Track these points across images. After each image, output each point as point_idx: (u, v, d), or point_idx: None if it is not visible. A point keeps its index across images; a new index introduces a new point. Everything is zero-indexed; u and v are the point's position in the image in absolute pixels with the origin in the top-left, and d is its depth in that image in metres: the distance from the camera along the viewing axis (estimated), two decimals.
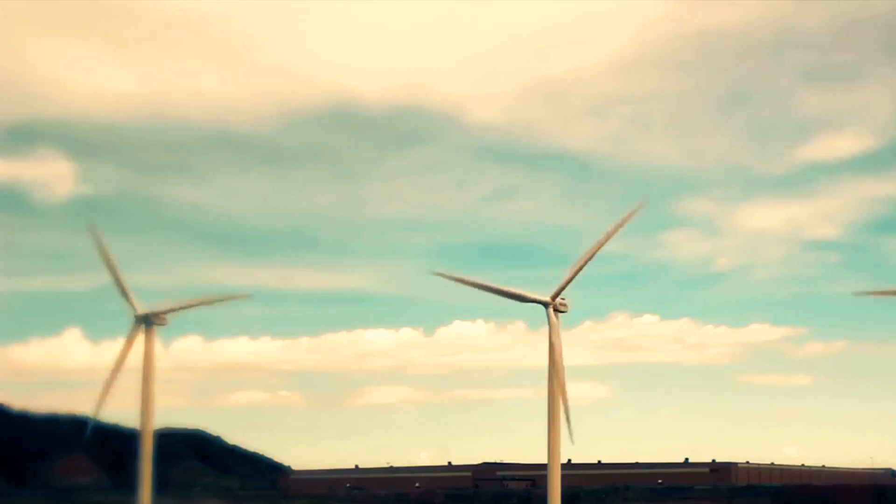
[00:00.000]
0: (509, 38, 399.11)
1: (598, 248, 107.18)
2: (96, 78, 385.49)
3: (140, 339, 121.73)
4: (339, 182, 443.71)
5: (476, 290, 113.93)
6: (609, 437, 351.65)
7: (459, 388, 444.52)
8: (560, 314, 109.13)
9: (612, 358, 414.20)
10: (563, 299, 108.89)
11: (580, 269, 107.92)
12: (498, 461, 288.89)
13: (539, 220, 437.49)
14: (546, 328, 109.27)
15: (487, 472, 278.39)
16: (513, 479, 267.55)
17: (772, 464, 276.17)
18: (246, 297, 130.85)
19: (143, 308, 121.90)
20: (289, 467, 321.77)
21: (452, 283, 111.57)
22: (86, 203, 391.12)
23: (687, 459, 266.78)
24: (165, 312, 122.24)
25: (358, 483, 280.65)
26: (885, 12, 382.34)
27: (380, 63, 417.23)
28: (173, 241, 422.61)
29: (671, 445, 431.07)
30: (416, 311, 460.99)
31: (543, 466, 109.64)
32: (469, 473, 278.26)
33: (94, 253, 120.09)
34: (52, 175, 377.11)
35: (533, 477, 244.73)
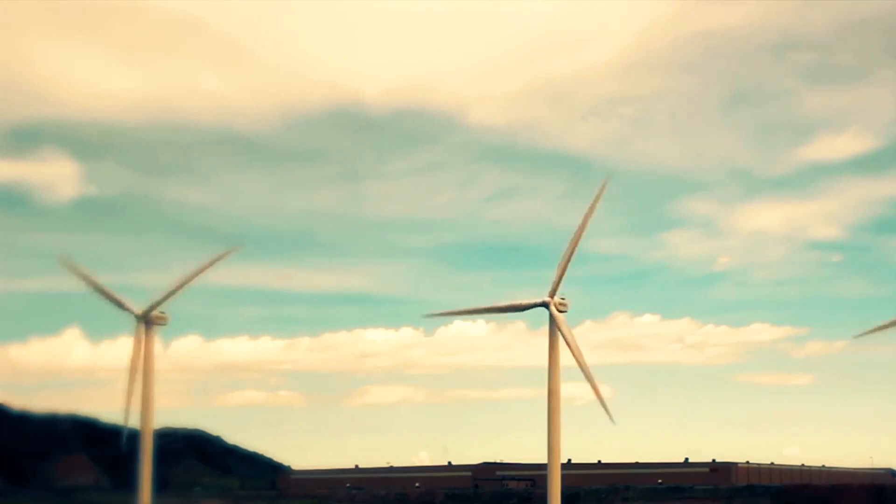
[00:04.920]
0: (511, 40, 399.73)
1: (579, 239, 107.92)
2: (99, 79, 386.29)
3: (140, 339, 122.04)
4: (340, 182, 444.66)
5: (476, 308, 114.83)
6: (609, 437, 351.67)
7: (459, 388, 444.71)
8: (561, 314, 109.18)
9: (612, 358, 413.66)
10: (562, 298, 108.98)
11: (567, 264, 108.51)
12: (498, 461, 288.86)
13: (540, 220, 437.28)
14: (546, 328, 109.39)
15: (487, 472, 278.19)
16: (513, 479, 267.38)
17: (772, 464, 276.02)
18: (233, 250, 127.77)
19: (140, 307, 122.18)
20: (289, 467, 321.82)
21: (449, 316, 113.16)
22: (89, 204, 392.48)
23: (687, 459, 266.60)
24: (161, 303, 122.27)
25: (358, 483, 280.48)
26: (887, 14, 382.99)
27: (382, 64, 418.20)
28: (175, 241, 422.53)
29: (671, 445, 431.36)
30: (416, 311, 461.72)
31: (543, 466, 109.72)
32: (469, 473, 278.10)
33: (75, 276, 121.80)
34: (56, 175, 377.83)
35: (533, 477, 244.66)
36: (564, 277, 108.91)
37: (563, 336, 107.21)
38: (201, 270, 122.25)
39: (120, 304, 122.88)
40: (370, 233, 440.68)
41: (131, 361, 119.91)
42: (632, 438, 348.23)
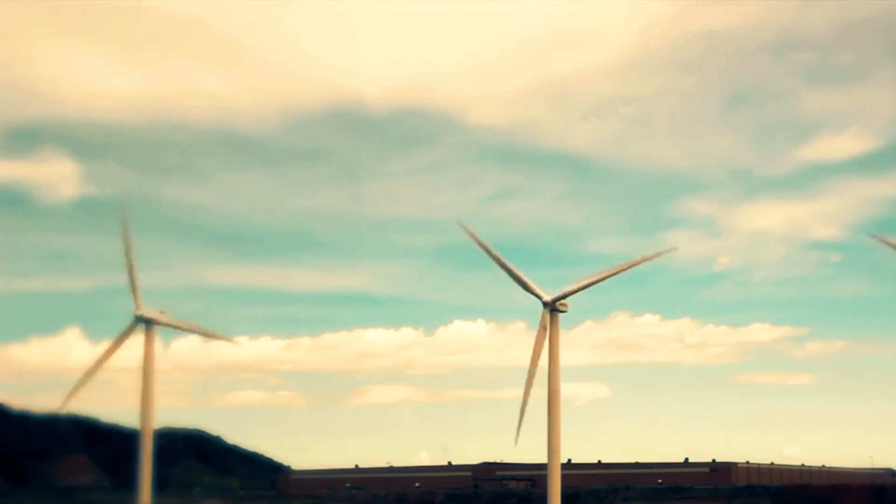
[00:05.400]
0: (511, 40, 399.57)
1: (616, 273, 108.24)
2: (100, 79, 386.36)
3: (139, 339, 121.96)
4: (340, 182, 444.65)
5: (497, 258, 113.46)
6: (609, 437, 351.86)
7: (459, 388, 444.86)
8: (560, 314, 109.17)
9: (612, 358, 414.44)
10: (563, 300, 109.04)
11: (591, 284, 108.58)
12: (498, 461, 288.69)
13: (540, 220, 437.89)
14: (546, 328, 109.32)
15: (487, 472, 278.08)
16: (513, 479, 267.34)
17: (772, 464, 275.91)
18: (237, 343, 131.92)
19: (147, 310, 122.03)
20: (289, 467, 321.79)
21: (475, 244, 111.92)
22: (89, 204, 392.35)
23: (687, 459, 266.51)
24: (164, 324, 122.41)
25: (358, 483, 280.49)
26: (887, 14, 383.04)
27: (382, 64, 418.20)
28: (175, 242, 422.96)
29: (671, 445, 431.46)
30: (416, 311, 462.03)
31: (543, 466, 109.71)
32: (469, 473, 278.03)
33: (119, 245, 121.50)
34: (56, 175, 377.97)
35: (533, 477, 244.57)
36: (577, 294, 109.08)
37: (538, 335, 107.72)
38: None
39: (135, 294, 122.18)
40: (370, 233, 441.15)
41: (104, 353, 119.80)
42: (632, 438, 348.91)
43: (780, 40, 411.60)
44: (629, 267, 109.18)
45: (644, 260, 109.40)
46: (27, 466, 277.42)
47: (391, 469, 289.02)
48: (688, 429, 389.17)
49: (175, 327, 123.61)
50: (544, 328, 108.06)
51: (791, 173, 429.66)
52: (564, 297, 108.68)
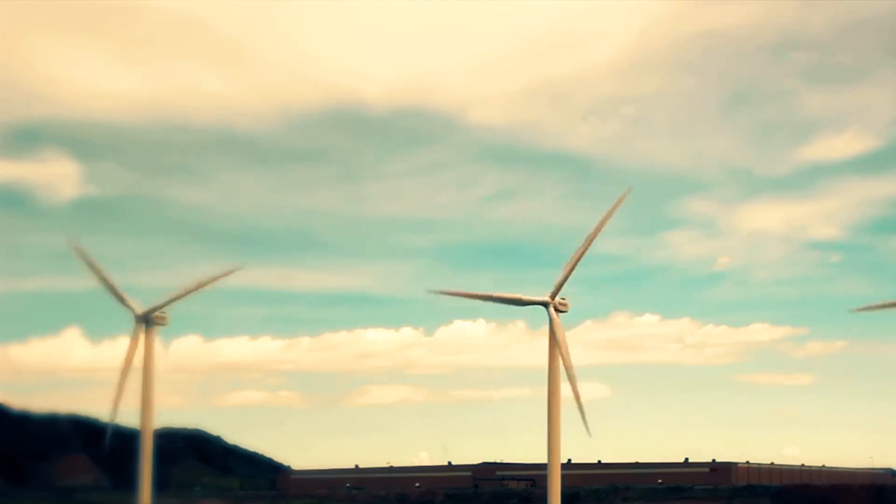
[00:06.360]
0: (511, 40, 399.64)
1: (590, 243, 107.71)
2: (99, 79, 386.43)
3: (141, 338, 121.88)
4: (340, 182, 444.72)
5: (479, 294, 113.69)
6: (609, 437, 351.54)
7: (459, 388, 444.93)
8: (560, 314, 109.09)
9: (612, 358, 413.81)
10: (563, 299, 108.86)
11: (574, 266, 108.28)
12: (498, 461, 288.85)
13: (540, 220, 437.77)
14: (546, 327, 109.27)
15: (487, 472, 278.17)
16: (513, 479, 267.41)
17: (772, 464, 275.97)
18: (237, 269, 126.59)
19: (141, 307, 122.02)
20: (289, 467, 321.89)
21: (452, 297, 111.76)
22: (89, 204, 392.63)
23: (687, 459, 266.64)
24: (163, 306, 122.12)
25: (358, 483, 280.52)
26: (887, 14, 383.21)
27: (382, 64, 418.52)
28: (176, 242, 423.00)
29: (671, 445, 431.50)
30: (416, 311, 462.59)
31: (543, 466, 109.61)
32: (469, 473, 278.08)
33: (83, 265, 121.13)
34: (56, 175, 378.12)
35: (533, 477, 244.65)
36: (569, 279, 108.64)
37: (556, 337, 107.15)
38: (209, 282, 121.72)
39: (122, 301, 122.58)
40: (370, 233, 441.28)
41: (125, 360, 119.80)
42: (632, 438, 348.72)
43: (780, 40, 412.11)
44: (596, 234, 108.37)
45: (605, 219, 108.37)
46: (27, 466, 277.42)
47: (391, 469, 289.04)
48: (688, 429, 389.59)
49: (177, 298, 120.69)
50: (558, 326, 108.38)
51: (791, 173, 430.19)
52: (558, 290, 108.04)
